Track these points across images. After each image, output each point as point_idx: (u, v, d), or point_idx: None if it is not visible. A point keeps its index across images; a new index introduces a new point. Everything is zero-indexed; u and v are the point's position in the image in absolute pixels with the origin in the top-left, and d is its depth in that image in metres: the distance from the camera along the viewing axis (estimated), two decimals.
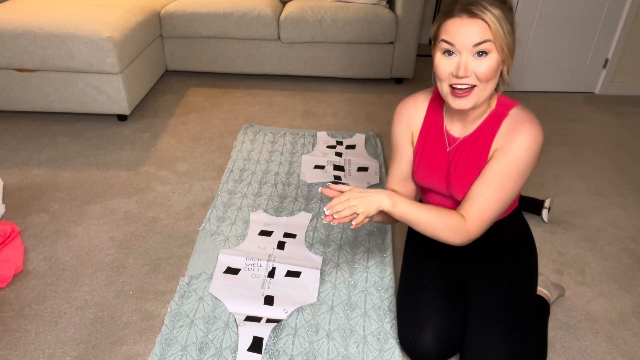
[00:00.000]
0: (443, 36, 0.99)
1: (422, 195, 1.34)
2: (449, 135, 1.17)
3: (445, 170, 1.19)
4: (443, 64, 1.01)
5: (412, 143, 1.25)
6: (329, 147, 2.27)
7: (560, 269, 1.59)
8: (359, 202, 1.04)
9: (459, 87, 1.01)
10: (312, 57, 2.95)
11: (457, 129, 1.16)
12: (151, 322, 1.36)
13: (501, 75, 1.04)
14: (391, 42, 2.90)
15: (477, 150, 1.12)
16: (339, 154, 2.21)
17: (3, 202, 1.83)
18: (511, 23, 0.98)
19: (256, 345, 1.26)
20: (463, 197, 1.16)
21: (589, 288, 1.52)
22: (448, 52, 1.00)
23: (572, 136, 2.48)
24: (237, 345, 1.28)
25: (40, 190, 1.92)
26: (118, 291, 1.46)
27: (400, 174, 1.28)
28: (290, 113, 2.63)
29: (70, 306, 1.40)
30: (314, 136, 2.37)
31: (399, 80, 3.09)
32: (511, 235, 1.28)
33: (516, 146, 1.04)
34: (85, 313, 1.38)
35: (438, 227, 1.09)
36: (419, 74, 3.25)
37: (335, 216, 1.04)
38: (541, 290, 1.37)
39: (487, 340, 1.10)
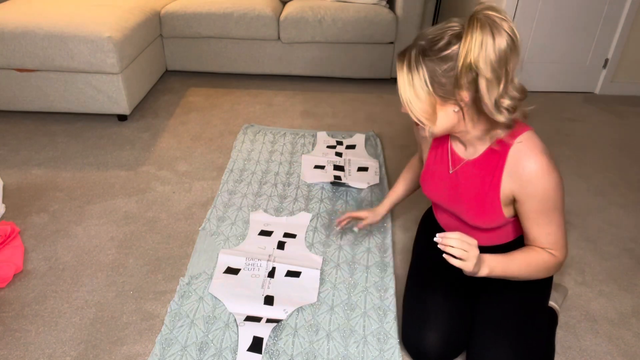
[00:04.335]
0: None
1: (434, 209, 1.35)
2: (453, 154, 1.15)
3: (451, 192, 1.18)
4: None
5: (422, 149, 1.32)
6: (329, 147, 2.27)
7: (561, 269, 1.59)
8: (472, 259, 0.97)
9: None
10: (312, 57, 2.95)
11: (461, 150, 1.14)
12: (151, 322, 1.36)
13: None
14: (391, 42, 2.90)
15: (485, 179, 1.08)
16: (339, 154, 2.21)
17: (3, 202, 1.83)
18: (435, 77, 0.94)
19: (256, 345, 1.26)
20: (473, 222, 1.14)
21: (589, 288, 1.52)
22: None
23: (572, 136, 2.48)
24: (237, 345, 1.28)
25: (40, 190, 1.92)
26: (118, 291, 1.46)
27: (415, 158, 1.46)
28: (290, 113, 2.63)
29: (70, 306, 1.40)
30: (314, 136, 2.37)
31: None
32: None
33: (535, 186, 1.00)
34: (85, 313, 1.38)
35: (532, 276, 1.08)
36: None
37: (446, 248, 0.97)
38: (549, 302, 1.36)
39: (493, 343, 1.10)
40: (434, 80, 0.95)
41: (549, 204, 1.01)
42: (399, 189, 1.50)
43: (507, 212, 1.09)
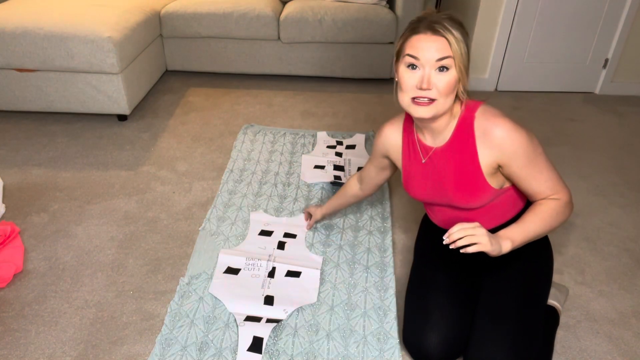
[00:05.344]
0: (408, 51, 1.05)
1: (428, 213, 1.37)
2: (422, 145, 1.21)
3: (433, 182, 1.21)
4: (407, 77, 1.07)
5: (392, 160, 1.34)
6: (329, 147, 2.27)
7: (560, 269, 1.59)
8: (482, 237, 1.02)
9: (421, 99, 1.06)
10: (312, 57, 2.95)
11: (429, 140, 1.20)
12: (151, 322, 1.36)
13: (460, 91, 1.09)
14: (391, 42, 2.90)
15: (462, 158, 1.14)
16: (339, 154, 2.21)
17: (3, 202, 1.83)
18: (467, 45, 1.05)
19: (256, 345, 1.26)
20: (465, 203, 1.18)
21: (589, 288, 1.52)
22: (412, 66, 1.06)
23: (572, 136, 2.48)
24: (237, 345, 1.28)
25: (40, 190, 1.92)
26: (118, 291, 1.46)
27: (366, 171, 1.47)
28: (290, 113, 2.63)
29: (70, 306, 1.40)
30: (314, 136, 2.37)
31: None
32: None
33: (511, 145, 1.08)
34: (85, 313, 1.38)
35: (552, 225, 1.12)
36: None
37: (456, 243, 1.02)
38: (551, 302, 1.37)
39: (492, 342, 1.10)
40: (468, 46, 1.06)
41: (531, 155, 1.09)
42: (336, 203, 1.63)
43: (494, 182, 1.15)
